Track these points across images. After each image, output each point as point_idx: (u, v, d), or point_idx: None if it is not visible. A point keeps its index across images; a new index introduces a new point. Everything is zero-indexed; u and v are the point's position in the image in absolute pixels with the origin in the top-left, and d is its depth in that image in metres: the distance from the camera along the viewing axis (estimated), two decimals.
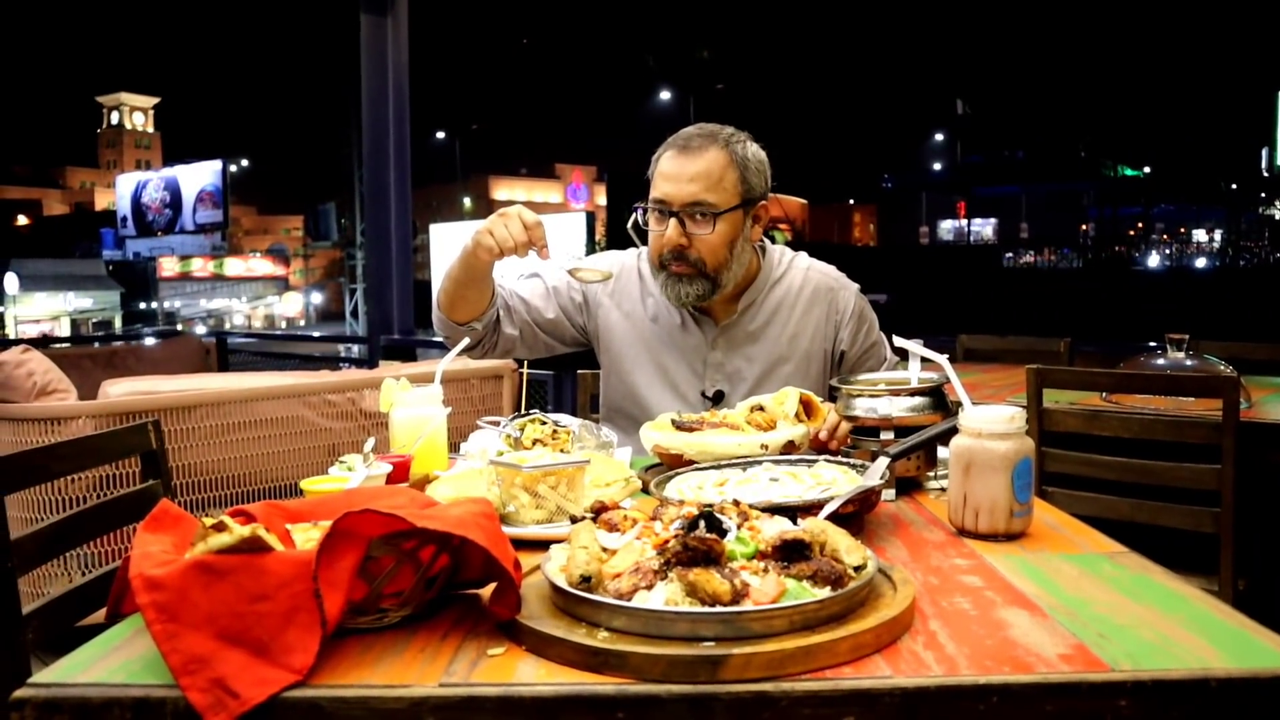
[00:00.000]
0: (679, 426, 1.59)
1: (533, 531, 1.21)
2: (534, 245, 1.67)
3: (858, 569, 0.90)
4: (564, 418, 1.63)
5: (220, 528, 0.83)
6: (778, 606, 0.81)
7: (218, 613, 0.80)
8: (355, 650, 0.85)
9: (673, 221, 1.80)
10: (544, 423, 1.58)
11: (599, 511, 1.05)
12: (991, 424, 1.16)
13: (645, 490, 1.42)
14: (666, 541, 0.90)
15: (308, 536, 1.01)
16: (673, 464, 1.55)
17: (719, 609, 0.81)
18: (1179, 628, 0.87)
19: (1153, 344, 3.39)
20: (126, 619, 0.94)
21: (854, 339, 1.98)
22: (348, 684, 0.78)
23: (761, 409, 1.69)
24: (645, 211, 1.87)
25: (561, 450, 1.60)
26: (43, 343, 9.13)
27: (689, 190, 1.79)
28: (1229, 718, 0.76)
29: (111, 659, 0.84)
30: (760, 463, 1.40)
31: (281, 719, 0.76)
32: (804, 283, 1.97)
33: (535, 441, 1.58)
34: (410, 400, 1.66)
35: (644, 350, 1.97)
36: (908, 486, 1.48)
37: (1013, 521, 1.16)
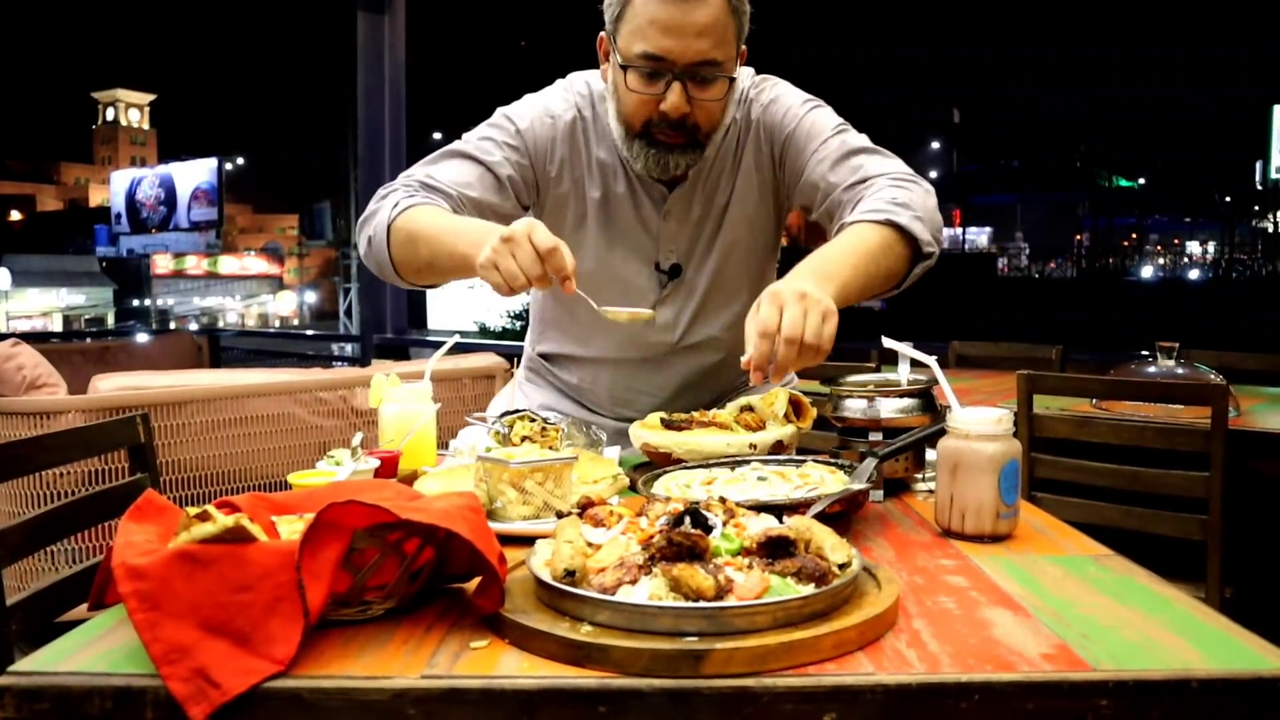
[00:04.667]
0: (667, 425, 1.59)
1: (519, 527, 1.21)
2: (553, 276, 1.31)
3: (842, 566, 0.90)
4: (553, 415, 1.63)
5: (204, 517, 0.83)
6: (761, 603, 0.81)
7: (200, 602, 0.79)
8: (338, 641, 0.84)
9: (676, 86, 1.49)
10: (533, 420, 1.58)
11: (585, 507, 1.05)
12: (979, 425, 1.17)
13: (633, 488, 1.42)
14: (651, 537, 0.90)
15: (293, 529, 1.01)
16: (661, 462, 1.55)
17: (702, 604, 0.81)
18: (1162, 629, 0.87)
19: (1144, 352, 3.40)
20: (110, 609, 0.94)
21: (801, 155, 1.63)
22: (329, 675, 0.78)
23: (750, 409, 1.69)
24: (623, 69, 1.52)
25: (550, 448, 1.60)
26: (34, 338, 9.10)
27: (697, 47, 1.47)
28: (1210, 718, 0.76)
29: (94, 648, 0.84)
30: (748, 462, 1.41)
31: (262, 709, 0.76)
32: (746, 127, 1.69)
33: (524, 438, 1.58)
34: (399, 396, 1.66)
35: (590, 229, 1.71)
36: (896, 488, 1.48)
37: (999, 523, 1.16)
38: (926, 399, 1.45)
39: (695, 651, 0.76)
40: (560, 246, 1.31)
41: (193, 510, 0.83)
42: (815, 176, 1.61)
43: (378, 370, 3.87)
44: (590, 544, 0.94)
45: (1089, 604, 0.93)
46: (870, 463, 1.28)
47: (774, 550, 0.90)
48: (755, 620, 0.81)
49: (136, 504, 0.95)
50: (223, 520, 0.81)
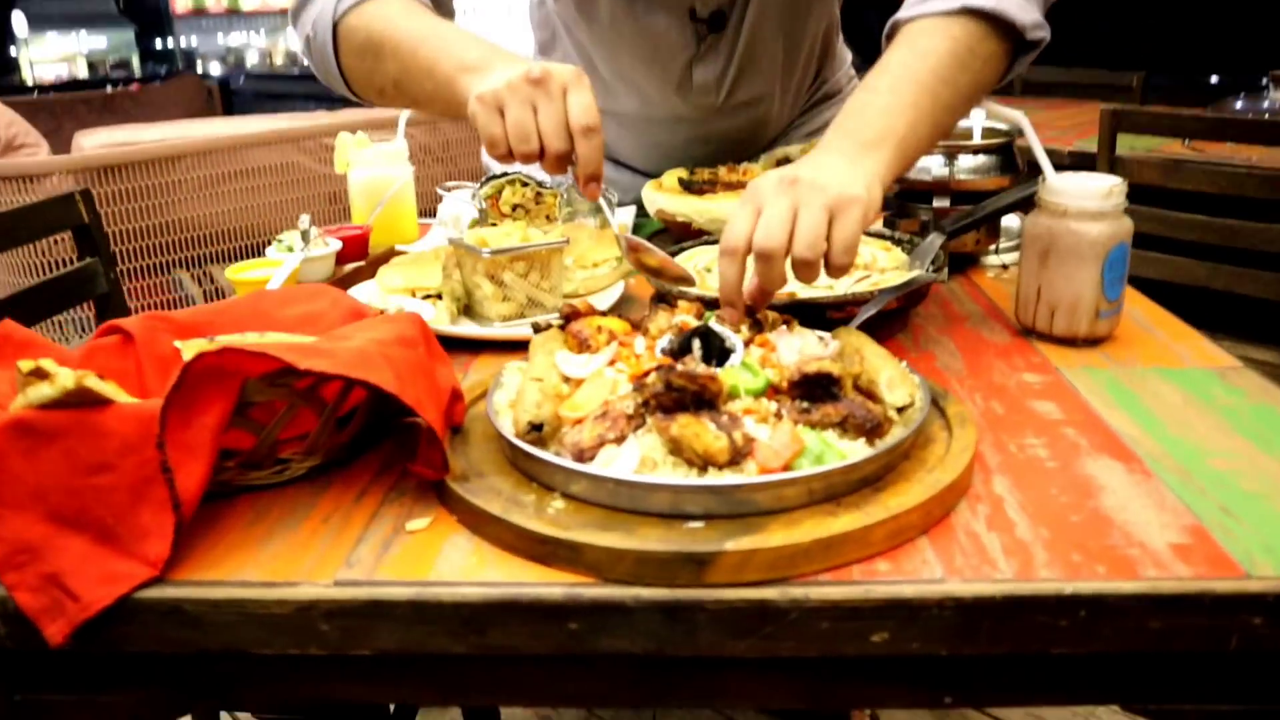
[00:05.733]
0: (688, 187, 1.33)
1: (497, 332, 1.00)
2: (574, 163, 0.90)
3: (902, 410, 0.68)
4: (550, 178, 1.37)
5: (40, 374, 0.61)
6: (787, 477, 0.60)
7: (47, 488, 0.60)
8: (241, 523, 0.65)
9: None
10: (525, 184, 1.32)
11: (570, 318, 0.83)
12: (1082, 199, 0.90)
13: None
14: (646, 374, 0.68)
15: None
16: (680, 233, 1.31)
17: (710, 481, 0.60)
18: None
19: (1225, 78, 2.97)
20: None
21: None
22: (219, 581, 0.59)
23: (788, 162, 1.41)
24: None
25: (547, 217, 1.36)
26: (60, 88, 8.64)
27: None
28: None
29: None
30: None
31: (137, 624, 0.58)
32: None
33: (514, 207, 1.33)
34: (368, 160, 1.41)
35: None
36: (962, 263, 1.23)
37: (1097, 324, 0.92)
38: (1007, 156, 1.16)
39: (697, 555, 0.55)
40: (598, 128, 0.88)
41: (26, 365, 0.62)
42: None
43: (383, 112, 3.54)
44: (567, 379, 0.72)
45: (1224, 452, 0.71)
46: (935, 240, 1.02)
47: (811, 391, 0.67)
48: (783, 497, 0.60)
49: None
50: (61, 379, 0.60)
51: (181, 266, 3.07)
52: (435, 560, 0.60)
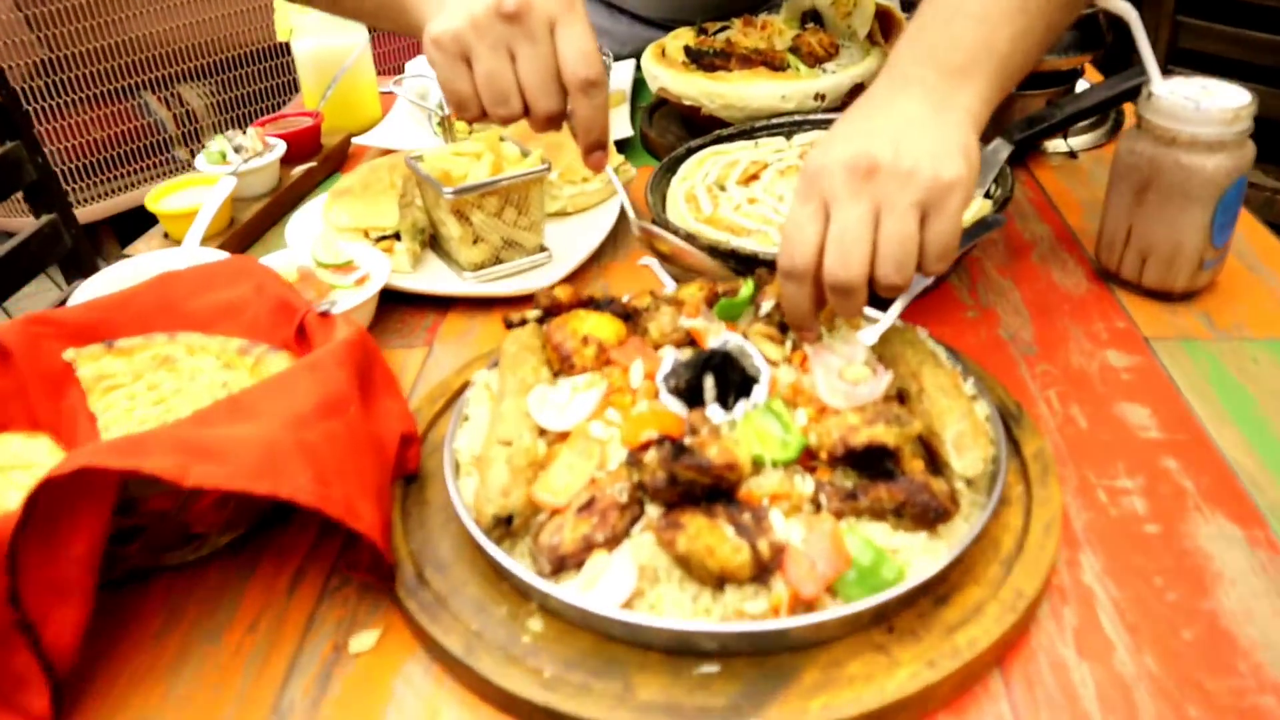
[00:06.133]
0: (696, 60, 1.11)
1: (469, 289, 0.83)
2: (568, 126, 0.69)
3: (972, 482, 0.53)
4: None
5: None
6: (829, 618, 0.46)
7: None
8: (149, 632, 0.53)
9: None
10: None
11: (549, 311, 0.67)
12: (1197, 125, 0.70)
13: (648, 150, 1.01)
14: (644, 446, 0.53)
15: (100, 372, 0.65)
16: (688, 115, 1.11)
17: (727, 627, 0.46)
18: None
19: None
20: None
21: None
22: None
23: (817, 21, 1.18)
24: None
25: None
26: None
27: None
28: None
29: None
30: (813, 125, 0.99)
31: None
32: None
33: None
34: (314, 26, 1.18)
35: None
36: (1020, 150, 1.03)
37: (1198, 276, 0.75)
38: (1090, 29, 0.94)
39: None
40: (603, 81, 0.66)
41: None
42: None
43: None
44: (543, 431, 0.57)
45: None
46: (1000, 151, 0.84)
47: (861, 466, 0.52)
48: (821, 629, 0.47)
49: None
50: None
51: (147, 89, 2.83)
52: (385, 710, 0.48)
